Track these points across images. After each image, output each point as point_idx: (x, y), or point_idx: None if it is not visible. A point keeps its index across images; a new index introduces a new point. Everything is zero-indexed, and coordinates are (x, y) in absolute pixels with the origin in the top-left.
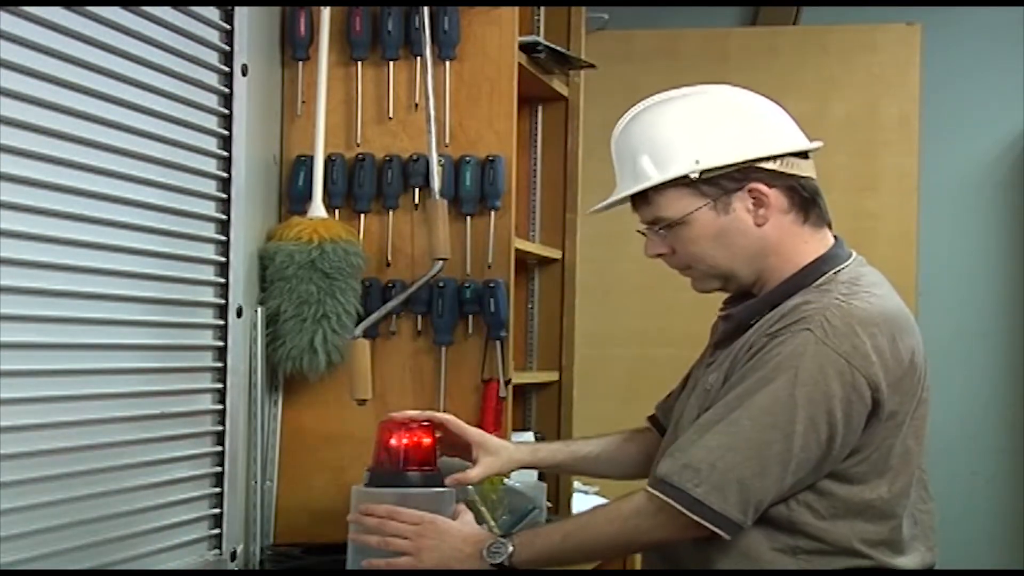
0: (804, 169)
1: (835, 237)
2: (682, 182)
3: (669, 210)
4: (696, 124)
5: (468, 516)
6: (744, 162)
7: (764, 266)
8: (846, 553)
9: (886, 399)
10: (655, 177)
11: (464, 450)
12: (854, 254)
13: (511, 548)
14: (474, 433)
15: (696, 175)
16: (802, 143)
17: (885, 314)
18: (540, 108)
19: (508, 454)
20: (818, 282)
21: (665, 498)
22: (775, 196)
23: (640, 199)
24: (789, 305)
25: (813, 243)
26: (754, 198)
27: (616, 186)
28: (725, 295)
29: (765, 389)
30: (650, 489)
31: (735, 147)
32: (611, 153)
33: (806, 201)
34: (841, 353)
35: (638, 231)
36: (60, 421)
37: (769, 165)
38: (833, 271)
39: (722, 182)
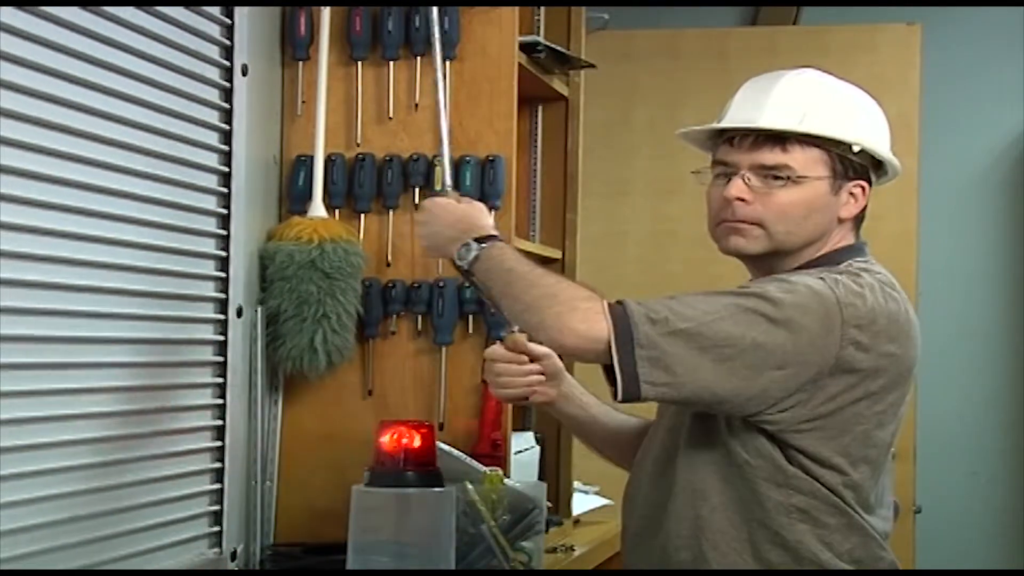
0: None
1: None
2: (833, 146)
3: (799, 164)
4: (867, 109)
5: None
6: (880, 159)
7: (805, 253)
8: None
9: (860, 355)
10: (821, 128)
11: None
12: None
13: (476, 253)
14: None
15: (857, 148)
16: (893, 170)
17: (890, 283)
18: (540, 108)
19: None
20: (838, 267)
21: (609, 324)
22: (862, 202)
23: (775, 142)
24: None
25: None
26: (854, 193)
27: (743, 116)
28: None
29: (754, 294)
30: (609, 305)
31: (885, 144)
32: (761, 83)
33: (861, 221)
34: (839, 298)
35: (715, 168)
36: (59, 415)
37: (879, 173)
38: (853, 260)
39: (855, 166)
